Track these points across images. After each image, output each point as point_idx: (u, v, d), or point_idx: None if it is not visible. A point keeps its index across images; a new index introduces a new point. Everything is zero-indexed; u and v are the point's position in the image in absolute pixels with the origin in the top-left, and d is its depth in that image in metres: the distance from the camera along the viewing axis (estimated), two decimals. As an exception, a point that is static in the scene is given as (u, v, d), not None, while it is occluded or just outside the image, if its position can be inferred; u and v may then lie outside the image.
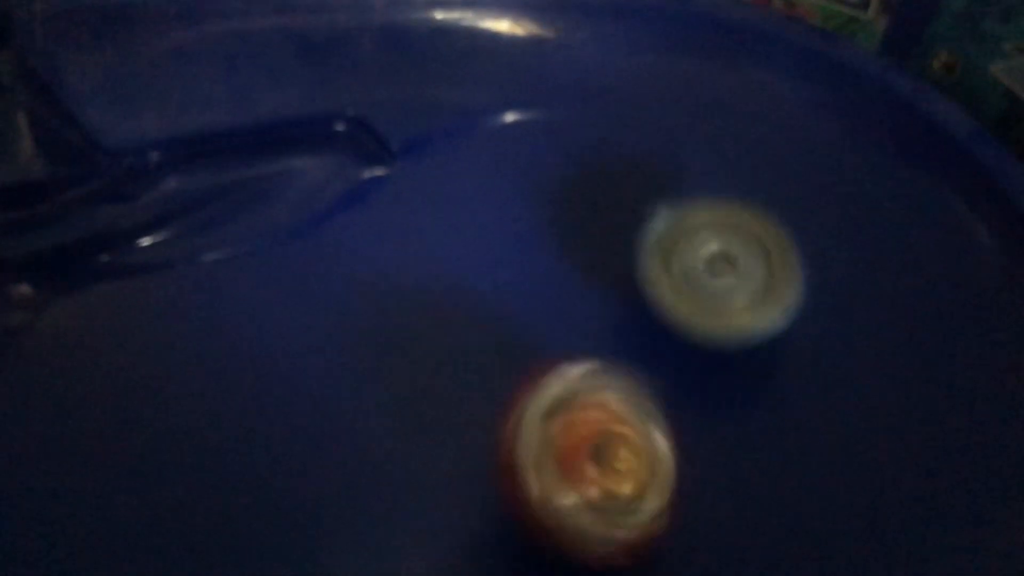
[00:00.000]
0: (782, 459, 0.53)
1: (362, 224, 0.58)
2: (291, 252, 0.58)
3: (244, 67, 0.60)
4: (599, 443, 0.46)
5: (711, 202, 0.55)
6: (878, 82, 0.62)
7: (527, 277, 0.57)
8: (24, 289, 0.56)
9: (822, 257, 0.55)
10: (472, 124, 0.61)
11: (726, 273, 0.53)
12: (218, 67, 0.60)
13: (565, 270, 0.58)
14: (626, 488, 0.46)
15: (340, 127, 0.60)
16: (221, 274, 0.57)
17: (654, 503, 0.46)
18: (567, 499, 0.45)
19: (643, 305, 0.53)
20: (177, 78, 0.59)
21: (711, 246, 0.54)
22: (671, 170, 0.61)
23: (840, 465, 0.53)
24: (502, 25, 0.64)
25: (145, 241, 0.57)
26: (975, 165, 0.59)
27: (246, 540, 0.50)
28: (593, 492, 0.45)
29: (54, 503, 0.50)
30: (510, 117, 0.62)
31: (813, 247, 0.54)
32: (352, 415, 0.53)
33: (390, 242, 0.58)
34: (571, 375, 0.47)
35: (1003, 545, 0.50)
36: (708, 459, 0.49)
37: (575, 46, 0.64)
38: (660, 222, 0.54)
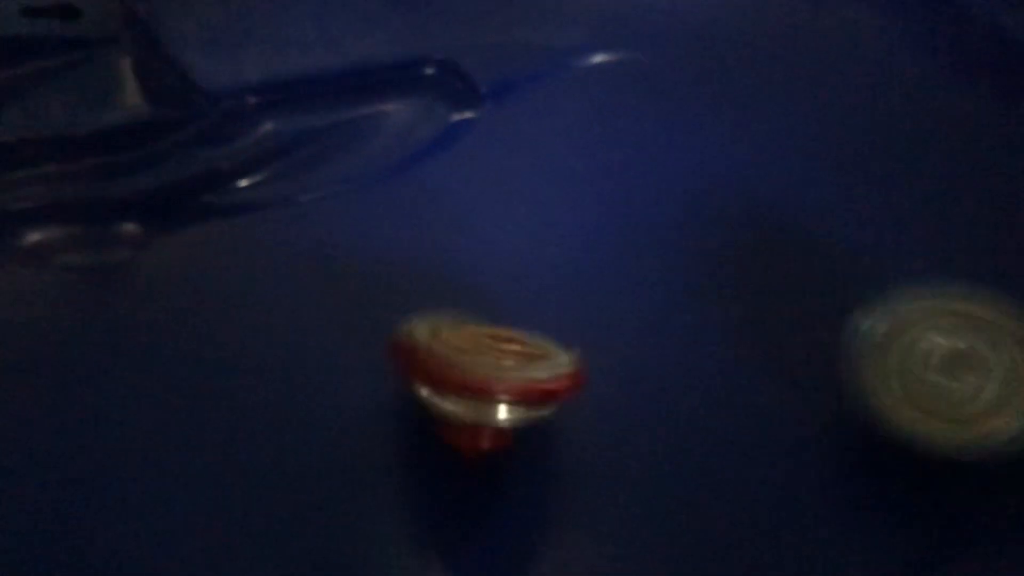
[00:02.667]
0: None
1: (451, 166, 0.59)
2: (382, 193, 0.59)
3: (337, 12, 0.61)
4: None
5: (932, 290, 0.48)
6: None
7: (616, 221, 0.58)
8: (130, 227, 0.58)
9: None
10: (562, 66, 0.62)
11: (964, 374, 0.46)
12: (312, 13, 0.61)
13: (656, 215, 0.58)
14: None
15: (430, 70, 0.60)
16: (315, 214, 0.58)
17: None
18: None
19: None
20: (273, 24, 0.60)
21: (939, 342, 0.47)
22: (768, 114, 0.60)
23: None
24: (592, -36, 0.64)
25: (243, 182, 0.59)
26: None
27: (349, 476, 0.51)
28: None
29: (154, 436, 0.52)
30: (600, 58, 0.62)
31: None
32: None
33: (479, 184, 0.59)
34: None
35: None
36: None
37: (667, -16, 0.63)
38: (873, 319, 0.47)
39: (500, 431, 0.47)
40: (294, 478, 0.51)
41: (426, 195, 0.59)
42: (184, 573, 0.48)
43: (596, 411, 0.49)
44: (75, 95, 0.58)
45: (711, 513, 0.48)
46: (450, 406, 0.46)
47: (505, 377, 0.45)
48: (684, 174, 0.59)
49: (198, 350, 0.54)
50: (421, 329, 0.48)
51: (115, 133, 0.58)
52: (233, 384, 0.53)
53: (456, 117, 0.61)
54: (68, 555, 0.48)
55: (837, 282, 0.54)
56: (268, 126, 0.59)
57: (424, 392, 0.47)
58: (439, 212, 0.58)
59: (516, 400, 0.46)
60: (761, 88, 0.61)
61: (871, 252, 0.55)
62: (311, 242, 0.58)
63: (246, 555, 0.48)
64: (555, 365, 0.47)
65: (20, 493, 0.50)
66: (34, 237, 0.57)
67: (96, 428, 0.52)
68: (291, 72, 0.59)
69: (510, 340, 0.48)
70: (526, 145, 0.60)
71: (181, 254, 0.58)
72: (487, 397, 0.46)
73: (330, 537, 0.49)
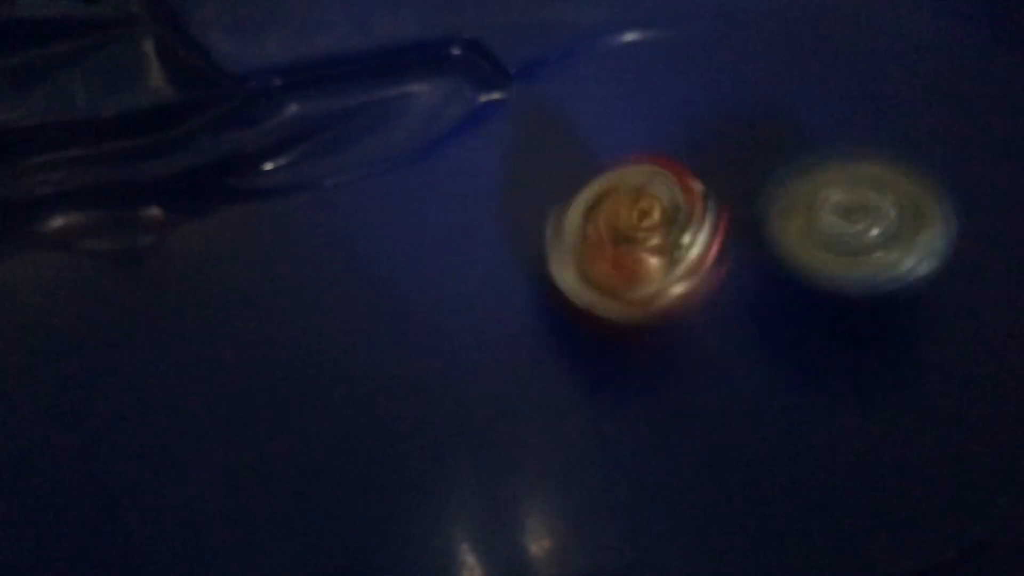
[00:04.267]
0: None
1: (479, 148, 0.59)
2: (410, 175, 0.58)
3: (362, -7, 0.61)
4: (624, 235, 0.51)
5: (843, 156, 0.54)
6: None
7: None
8: (154, 211, 0.58)
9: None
10: (591, 45, 0.61)
11: (860, 220, 0.52)
12: (337, -6, 0.60)
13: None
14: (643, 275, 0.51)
15: (456, 51, 0.60)
16: (342, 197, 0.58)
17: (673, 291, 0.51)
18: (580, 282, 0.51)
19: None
20: (298, 5, 0.59)
21: (843, 197, 0.53)
22: (800, 91, 0.59)
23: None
24: (621, -59, 0.63)
25: (268, 165, 0.59)
26: None
27: (375, 450, 0.52)
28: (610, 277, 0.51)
29: (177, 419, 0.52)
30: (630, 37, 0.61)
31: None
32: (472, 327, 0.54)
33: (508, 165, 0.58)
34: (615, 174, 0.53)
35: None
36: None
37: (698, -39, 0.62)
38: (787, 176, 0.53)
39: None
40: (321, 466, 0.51)
41: (454, 178, 0.58)
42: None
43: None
44: (97, 78, 0.57)
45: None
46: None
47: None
48: (714, 151, 0.57)
49: (223, 334, 0.54)
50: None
51: (138, 116, 0.57)
52: (257, 368, 0.53)
53: (484, 98, 0.60)
54: (112, 528, 0.49)
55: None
56: (293, 108, 0.59)
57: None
58: (467, 195, 0.58)
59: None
60: (792, 65, 0.60)
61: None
62: (337, 226, 0.57)
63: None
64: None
65: (46, 474, 0.50)
66: (58, 222, 0.57)
67: (121, 410, 0.52)
68: (316, 53, 0.59)
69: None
70: (555, 126, 0.59)
71: (206, 238, 0.57)
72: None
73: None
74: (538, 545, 0.50)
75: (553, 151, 0.59)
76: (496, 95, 0.60)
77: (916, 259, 0.51)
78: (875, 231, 0.52)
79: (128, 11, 0.58)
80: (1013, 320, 0.54)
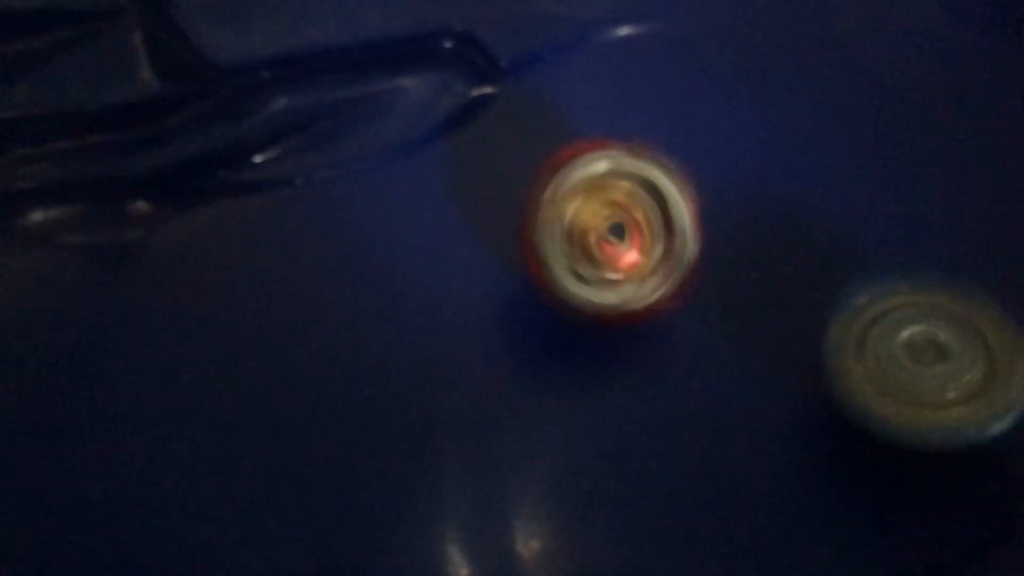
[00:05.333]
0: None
1: (471, 143, 0.58)
2: (401, 170, 0.58)
3: (352, -16, 0.60)
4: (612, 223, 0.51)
5: (915, 280, 0.49)
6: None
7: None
8: (141, 205, 0.57)
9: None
10: (584, 39, 0.60)
11: (934, 361, 0.46)
12: (327, -16, 0.60)
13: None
14: (630, 266, 0.50)
15: (448, 44, 0.59)
16: (331, 191, 0.57)
17: (657, 281, 0.50)
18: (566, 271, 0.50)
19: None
20: (287, -3, 0.59)
21: (914, 330, 0.47)
22: (797, 86, 0.59)
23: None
24: (614, -67, 0.62)
25: (257, 159, 0.58)
26: None
27: (365, 448, 0.51)
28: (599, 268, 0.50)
29: (164, 418, 0.51)
30: (624, 31, 0.61)
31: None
32: (461, 323, 0.54)
33: (500, 160, 0.58)
34: (594, 161, 0.51)
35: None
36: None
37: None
38: (855, 300, 0.48)
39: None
40: (310, 463, 0.50)
41: (445, 173, 0.58)
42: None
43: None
44: (83, 70, 0.57)
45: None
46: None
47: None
48: (710, 148, 0.57)
49: (211, 331, 0.54)
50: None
51: (125, 109, 0.57)
52: (245, 364, 0.53)
53: (476, 92, 0.59)
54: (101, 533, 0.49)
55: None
56: (282, 101, 0.58)
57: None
58: (458, 190, 0.57)
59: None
60: (789, 60, 0.60)
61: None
62: (327, 220, 0.57)
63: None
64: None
65: (31, 475, 0.50)
66: (43, 217, 0.57)
67: (107, 409, 0.52)
68: (306, 45, 0.58)
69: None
70: (548, 120, 0.59)
71: (194, 232, 0.57)
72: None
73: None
74: (530, 545, 0.50)
75: (546, 145, 0.58)
76: (488, 89, 0.59)
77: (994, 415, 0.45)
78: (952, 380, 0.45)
79: (115, 3, 0.57)
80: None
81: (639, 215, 0.51)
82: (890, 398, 0.45)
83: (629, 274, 0.50)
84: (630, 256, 0.50)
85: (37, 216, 0.56)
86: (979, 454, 0.46)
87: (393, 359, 0.53)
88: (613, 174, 0.51)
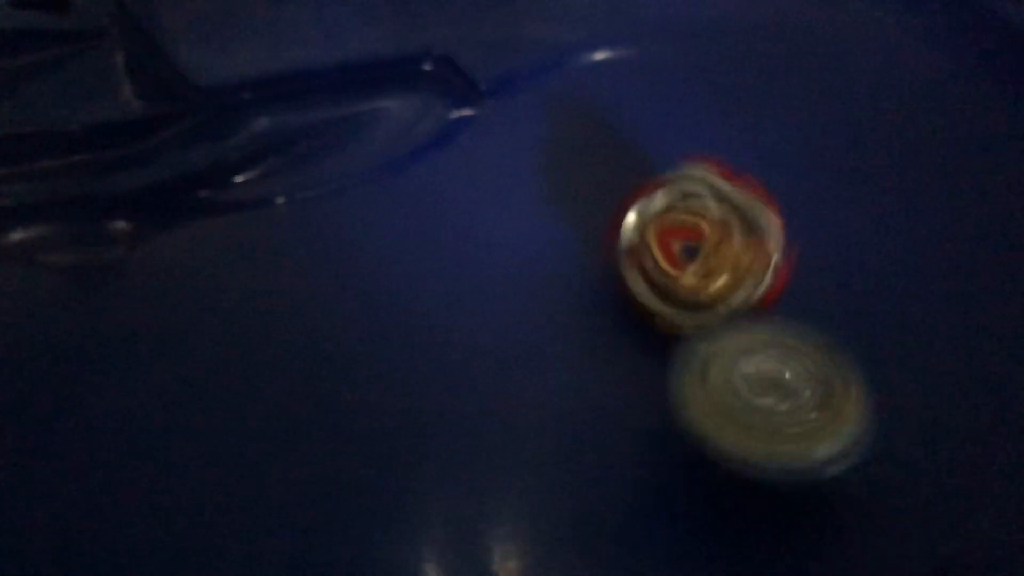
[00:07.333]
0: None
1: (450, 164, 0.59)
2: (380, 191, 0.58)
3: (333, 7, 0.60)
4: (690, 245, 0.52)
5: (764, 322, 0.50)
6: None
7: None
8: (122, 225, 0.57)
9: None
10: (562, 62, 0.61)
11: (773, 395, 0.46)
12: (308, 8, 0.60)
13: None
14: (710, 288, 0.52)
15: (428, 66, 0.60)
16: (311, 211, 0.58)
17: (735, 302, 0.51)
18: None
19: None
20: (268, 17, 0.59)
21: (758, 363, 0.47)
22: (769, 110, 0.60)
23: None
24: (591, -39, 0.63)
25: (238, 179, 0.58)
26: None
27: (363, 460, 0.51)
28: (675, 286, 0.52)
29: (149, 430, 0.51)
30: (601, 55, 0.62)
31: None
32: (439, 341, 0.54)
33: (479, 181, 0.58)
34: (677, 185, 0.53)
35: None
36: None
37: (667, -19, 0.63)
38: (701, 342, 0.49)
39: None
40: (291, 468, 0.50)
41: (424, 193, 0.58)
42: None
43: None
44: (65, 90, 0.57)
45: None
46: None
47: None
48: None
49: (192, 349, 0.54)
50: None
51: (107, 129, 0.57)
52: (226, 381, 0.53)
53: (455, 114, 0.60)
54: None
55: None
56: (263, 122, 0.59)
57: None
58: (437, 210, 0.57)
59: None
60: (762, 84, 0.61)
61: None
62: (307, 240, 0.57)
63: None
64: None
65: (10, 492, 0.49)
66: (23, 235, 0.56)
67: (88, 427, 0.51)
68: (287, 67, 0.59)
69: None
70: (527, 142, 0.59)
71: (175, 252, 0.57)
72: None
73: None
74: (535, 553, 0.50)
75: (523, 167, 0.59)
76: (467, 111, 0.60)
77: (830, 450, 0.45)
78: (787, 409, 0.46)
79: (98, 24, 0.58)
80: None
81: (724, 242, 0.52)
82: (730, 428, 0.45)
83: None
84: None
85: (18, 235, 0.56)
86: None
87: (375, 377, 0.53)
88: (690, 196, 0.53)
